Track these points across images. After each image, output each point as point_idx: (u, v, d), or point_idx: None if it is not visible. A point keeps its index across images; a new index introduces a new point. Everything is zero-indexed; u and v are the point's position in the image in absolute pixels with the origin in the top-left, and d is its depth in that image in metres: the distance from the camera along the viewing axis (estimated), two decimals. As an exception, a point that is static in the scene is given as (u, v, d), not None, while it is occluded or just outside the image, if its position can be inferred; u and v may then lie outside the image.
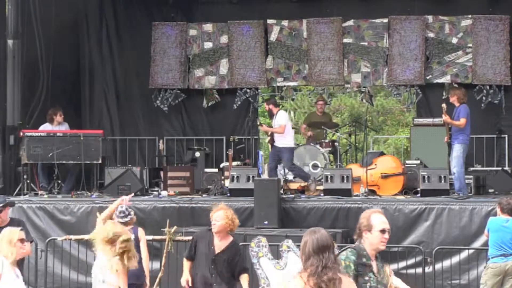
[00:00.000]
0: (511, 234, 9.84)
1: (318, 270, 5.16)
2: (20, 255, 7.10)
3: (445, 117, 13.18)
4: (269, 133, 14.69)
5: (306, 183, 14.37)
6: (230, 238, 8.40)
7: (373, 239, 5.74)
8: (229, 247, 8.31)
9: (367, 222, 5.77)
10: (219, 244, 8.30)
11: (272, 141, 14.46)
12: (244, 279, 8.38)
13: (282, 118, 14.23)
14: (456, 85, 15.96)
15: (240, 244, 10.66)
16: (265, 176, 14.73)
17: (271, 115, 14.67)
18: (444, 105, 13.35)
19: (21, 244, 7.05)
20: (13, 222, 8.96)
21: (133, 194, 8.81)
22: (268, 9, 17.30)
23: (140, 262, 8.56)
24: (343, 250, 5.72)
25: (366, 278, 5.65)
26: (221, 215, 8.25)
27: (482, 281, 10.07)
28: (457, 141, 13.15)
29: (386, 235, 5.77)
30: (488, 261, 10.08)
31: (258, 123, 15.45)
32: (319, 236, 5.24)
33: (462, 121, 13.10)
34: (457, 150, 13.11)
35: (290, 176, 15.29)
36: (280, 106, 15.50)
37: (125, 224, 8.51)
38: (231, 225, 8.27)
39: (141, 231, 9.27)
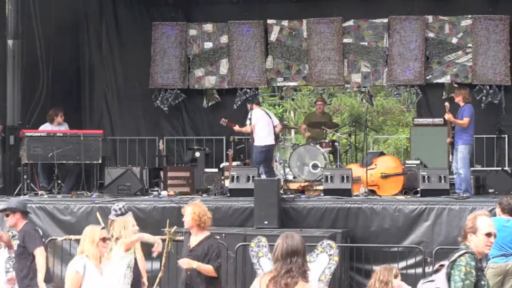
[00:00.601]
0: (512, 234, 9.84)
1: (280, 275, 5.25)
2: (102, 254, 7.00)
3: (449, 116, 13.14)
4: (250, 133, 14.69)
5: None
6: (206, 233, 8.35)
7: (478, 242, 5.61)
8: (202, 241, 8.25)
9: (472, 224, 5.65)
10: (193, 239, 8.32)
11: (253, 140, 14.44)
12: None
13: (252, 117, 14.19)
14: (456, 85, 15.96)
15: (240, 244, 10.70)
16: (263, 176, 14.68)
17: None
18: (447, 103, 13.32)
19: (103, 243, 6.93)
20: (25, 228, 9.08)
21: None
22: (268, 9, 17.30)
23: (136, 262, 8.61)
24: (461, 255, 5.54)
25: (483, 282, 5.54)
26: (188, 211, 8.31)
27: (482, 281, 10.06)
28: (461, 141, 13.10)
29: (492, 239, 5.63)
30: (489, 261, 10.06)
31: (225, 124, 15.16)
32: (290, 242, 5.33)
33: (465, 120, 13.06)
34: (462, 151, 13.07)
35: (290, 176, 15.29)
36: (263, 105, 15.35)
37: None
38: (198, 220, 8.22)
39: None
